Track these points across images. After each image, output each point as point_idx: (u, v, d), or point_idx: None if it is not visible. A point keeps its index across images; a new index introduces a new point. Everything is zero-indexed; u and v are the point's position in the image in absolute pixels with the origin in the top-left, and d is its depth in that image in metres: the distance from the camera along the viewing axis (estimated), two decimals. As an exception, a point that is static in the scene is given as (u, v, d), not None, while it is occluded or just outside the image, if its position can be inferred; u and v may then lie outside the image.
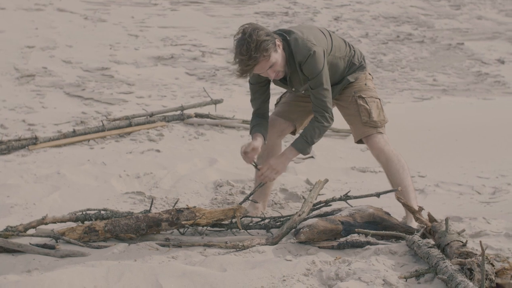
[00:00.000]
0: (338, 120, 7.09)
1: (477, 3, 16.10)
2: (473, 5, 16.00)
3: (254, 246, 4.50)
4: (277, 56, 4.83)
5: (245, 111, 8.76)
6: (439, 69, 11.73)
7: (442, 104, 9.73)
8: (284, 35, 4.92)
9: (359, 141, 5.22)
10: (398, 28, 14.26)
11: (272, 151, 5.31)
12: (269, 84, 5.16)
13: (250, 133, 5.17)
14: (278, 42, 4.84)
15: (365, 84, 5.21)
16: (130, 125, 7.76)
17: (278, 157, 5.03)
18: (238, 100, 9.57)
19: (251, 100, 5.23)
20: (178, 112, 8.19)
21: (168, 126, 7.93)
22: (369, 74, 5.32)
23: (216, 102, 8.48)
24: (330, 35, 5.12)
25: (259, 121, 5.17)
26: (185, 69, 11.11)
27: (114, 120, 7.94)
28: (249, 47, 4.70)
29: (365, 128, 5.10)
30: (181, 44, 12.49)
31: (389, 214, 4.74)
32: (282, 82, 5.13)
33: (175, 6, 15.09)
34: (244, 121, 8.10)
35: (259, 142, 5.05)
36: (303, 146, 5.02)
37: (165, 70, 10.98)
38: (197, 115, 8.19)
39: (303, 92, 5.16)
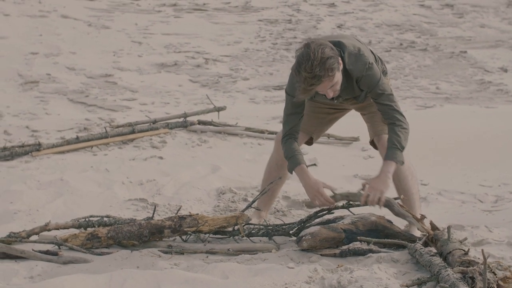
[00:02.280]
0: (341, 128, 7.12)
1: (480, 11, 16.11)
2: (476, 13, 16.02)
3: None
4: (339, 75, 4.68)
5: (248, 118, 8.77)
6: (442, 77, 11.73)
7: (445, 112, 9.74)
8: (338, 49, 4.74)
9: (372, 143, 5.18)
10: (401, 36, 14.28)
11: (284, 163, 5.16)
12: None
13: (288, 165, 4.97)
14: (340, 60, 4.69)
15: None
16: (133, 132, 7.77)
17: (377, 176, 4.80)
18: (241, 108, 9.59)
19: (288, 115, 4.98)
20: (181, 119, 8.20)
21: (171, 133, 7.95)
22: (389, 80, 5.29)
23: (219, 109, 8.49)
24: (363, 44, 5.05)
25: (295, 149, 4.97)
26: (189, 76, 11.13)
27: (117, 127, 7.95)
28: (313, 65, 4.52)
29: (384, 126, 5.02)
30: (185, 51, 12.51)
31: (391, 222, 4.75)
32: (330, 99, 4.97)
33: (179, 13, 15.12)
34: (247, 128, 8.11)
35: (312, 177, 4.91)
36: (397, 154, 4.79)
37: (169, 77, 11.00)
38: (200, 122, 8.20)
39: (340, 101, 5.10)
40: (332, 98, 4.94)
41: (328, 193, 4.86)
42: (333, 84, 4.64)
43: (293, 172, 4.95)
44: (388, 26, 14.91)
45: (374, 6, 16.21)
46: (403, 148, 4.81)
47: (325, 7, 16.04)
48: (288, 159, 4.97)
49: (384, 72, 5.18)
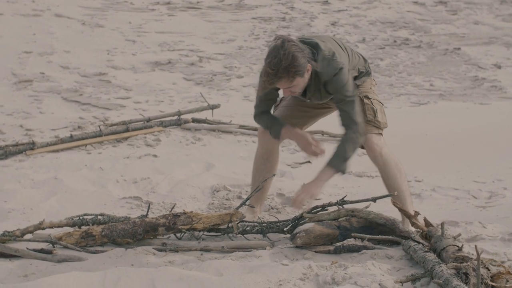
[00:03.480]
0: (335, 125, 7.12)
1: (474, 8, 16.13)
2: (469, 10, 16.03)
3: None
4: (301, 80, 4.78)
5: (242, 116, 8.77)
6: (436, 74, 11.75)
7: (439, 109, 9.75)
8: (313, 51, 4.84)
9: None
10: (395, 33, 14.29)
11: (270, 156, 5.30)
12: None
13: (272, 132, 5.12)
14: (309, 67, 4.78)
15: (371, 88, 5.23)
16: (127, 130, 7.77)
17: (313, 180, 4.88)
18: (235, 105, 9.59)
19: (261, 101, 5.15)
20: (175, 117, 8.20)
21: (165, 131, 7.94)
22: (374, 80, 5.33)
23: (213, 107, 8.49)
24: (345, 48, 5.09)
25: (269, 118, 5.13)
26: (183, 74, 11.12)
27: (112, 125, 7.95)
28: (279, 64, 4.64)
29: (368, 126, 5.08)
30: (179, 50, 12.50)
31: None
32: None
33: (173, 11, 15.11)
34: (241, 126, 8.12)
35: (298, 129, 5.05)
36: (338, 163, 4.89)
37: (163, 75, 11.00)
38: (194, 120, 8.20)
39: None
40: (307, 100, 5.05)
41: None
42: (291, 86, 4.76)
43: (281, 135, 5.09)
44: (382, 23, 14.92)
45: (368, 3, 16.22)
46: (346, 158, 4.89)
47: (319, 5, 16.04)
48: (270, 127, 5.12)
49: (368, 73, 5.23)
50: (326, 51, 4.85)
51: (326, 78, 4.86)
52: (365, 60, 5.30)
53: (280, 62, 4.62)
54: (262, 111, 5.17)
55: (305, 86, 4.87)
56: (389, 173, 5.07)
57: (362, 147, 5.18)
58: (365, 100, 5.14)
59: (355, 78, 5.16)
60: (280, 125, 5.11)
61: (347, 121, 4.91)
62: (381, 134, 5.14)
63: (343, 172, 4.94)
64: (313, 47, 4.85)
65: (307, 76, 4.80)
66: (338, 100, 4.90)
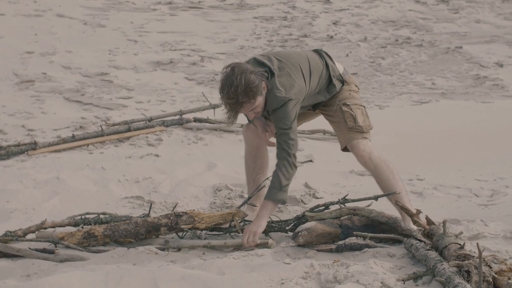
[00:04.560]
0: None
1: (476, 7, 16.12)
2: (471, 8, 16.02)
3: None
4: (261, 99, 4.84)
5: (244, 115, 8.77)
6: (438, 73, 11.74)
7: (440, 108, 9.75)
8: (267, 74, 4.89)
9: (345, 150, 5.22)
10: (396, 32, 14.28)
11: (258, 153, 5.33)
12: None
13: (249, 122, 5.26)
14: (264, 84, 4.83)
15: (349, 94, 5.22)
16: (129, 130, 7.78)
17: (254, 220, 4.85)
18: (237, 105, 9.57)
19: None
20: (177, 117, 8.20)
21: (167, 131, 7.95)
22: (355, 86, 5.31)
23: (215, 106, 8.49)
24: (310, 75, 5.04)
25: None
26: (184, 74, 11.12)
27: (113, 125, 7.95)
28: (236, 91, 4.69)
29: (351, 133, 5.09)
30: (180, 49, 12.51)
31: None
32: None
33: (174, 11, 15.11)
34: (243, 126, 8.11)
35: (263, 120, 5.13)
36: (275, 193, 4.86)
37: (164, 75, 11.00)
38: (196, 120, 8.21)
39: None
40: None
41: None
42: (254, 107, 4.82)
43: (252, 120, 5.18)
44: (383, 22, 14.92)
45: (369, 2, 16.22)
46: (282, 187, 4.87)
47: (321, 4, 16.04)
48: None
49: (342, 81, 5.18)
50: (276, 83, 4.87)
51: (269, 108, 4.91)
52: (344, 70, 5.27)
53: (236, 89, 4.68)
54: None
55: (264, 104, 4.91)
56: (382, 175, 5.07)
57: (349, 151, 5.18)
58: (344, 108, 5.14)
59: (331, 91, 5.17)
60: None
61: (280, 151, 4.91)
62: (367, 138, 5.13)
63: (283, 202, 4.93)
64: (268, 71, 4.89)
65: (264, 93, 4.84)
66: (276, 129, 4.93)
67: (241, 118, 5.32)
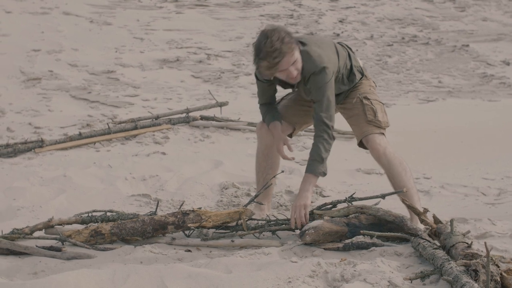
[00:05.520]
0: (343, 122, 7.11)
1: (482, 5, 16.09)
2: (478, 6, 16.00)
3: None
4: (299, 55, 4.82)
5: (251, 113, 8.78)
6: (444, 71, 11.73)
7: (447, 106, 9.74)
8: (299, 44, 4.90)
9: (360, 144, 5.21)
10: (403, 30, 14.26)
11: (270, 152, 5.32)
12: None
13: (264, 121, 5.23)
14: (295, 45, 4.82)
15: (370, 89, 5.23)
16: (136, 127, 7.78)
17: (298, 194, 4.87)
18: (243, 103, 9.59)
19: (259, 94, 5.25)
20: (184, 115, 8.20)
21: (173, 129, 7.95)
22: (373, 82, 5.34)
23: (221, 104, 8.49)
24: (338, 52, 5.08)
25: (269, 108, 5.21)
26: (191, 72, 11.13)
27: (120, 123, 7.96)
28: (273, 42, 4.68)
29: (369, 126, 5.09)
30: (187, 47, 12.51)
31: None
32: (287, 87, 5.13)
33: (180, 9, 15.12)
34: (249, 124, 8.12)
35: (280, 131, 5.12)
36: (315, 166, 4.88)
37: (171, 73, 11.01)
38: (203, 118, 8.21)
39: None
40: (294, 86, 5.07)
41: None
42: (295, 60, 4.77)
43: (269, 127, 5.18)
44: (390, 20, 14.90)
45: (376, 0, 16.20)
46: (322, 160, 4.88)
47: (327, 2, 16.03)
48: (264, 116, 5.22)
49: (363, 75, 5.21)
50: (313, 46, 4.90)
51: (306, 73, 4.88)
52: (362, 66, 5.32)
53: (274, 41, 4.68)
54: (262, 103, 5.29)
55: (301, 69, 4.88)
56: (394, 172, 5.06)
57: (365, 148, 5.17)
58: (365, 101, 5.14)
59: (351, 80, 5.18)
60: (272, 117, 5.18)
61: (318, 123, 4.90)
62: (383, 133, 5.13)
63: (323, 174, 4.94)
64: (300, 42, 4.91)
65: (299, 55, 4.83)
66: (316, 97, 4.90)
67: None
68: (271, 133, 5.20)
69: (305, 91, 5.05)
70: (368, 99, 5.16)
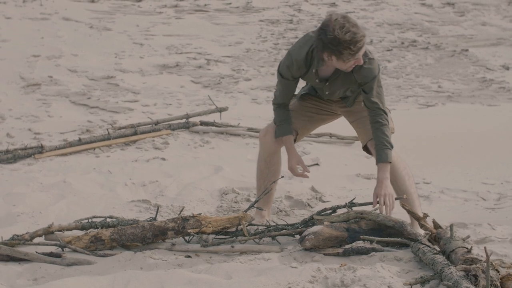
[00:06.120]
0: (343, 127, 7.12)
1: (482, 9, 16.11)
2: (477, 11, 16.01)
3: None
4: None
5: (250, 118, 8.78)
6: (444, 76, 11.73)
7: (447, 111, 9.74)
8: None
9: (365, 148, 5.21)
10: (402, 35, 14.27)
11: (272, 159, 5.30)
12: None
13: (277, 131, 5.16)
14: None
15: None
16: (135, 133, 7.79)
17: (379, 183, 4.90)
18: (243, 108, 9.59)
19: (280, 94, 5.14)
20: (183, 120, 8.21)
21: (173, 134, 7.95)
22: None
23: (221, 110, 8.50)
24: None
25: (285, 115, 5.15)
26: (190, 77, 11.13)
27: (120, 128, 7.96)
28: (353, 28, 4.62)
29: None
30: (186, 52, 12.52)
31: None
32: (321, 82, 5.07)
33: (180, 14, 15.13)
34: (249, 129, 8.12)
35: (295, 150, 5.13)
36: (388, 154, 4.91)
37: (170, 78, 11.01)
38: (202, 123, 8.21)
39: (332, 97, 5.17)
40: (326, 92, 5.06)
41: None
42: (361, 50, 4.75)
43: (282, 140, 5.15)
44: (389, 25, 14.91)
45: (375, 5, 16.22)
46: (392, 147, 4.92)
47: (326, 7, 16.05)
48: (278, 125, 5.14)
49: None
50: None
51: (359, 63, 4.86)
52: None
53: (353, 26, 4.61)
54: (280, 104, 5.18)
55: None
56: (398, 176, 5.08)
57: (369, 152, 5.17)
58: None
59: None
60: (286, 130, 5.15)
61: (378, 112, 4.95)
62: None
63: (391, 160, 4.97)
64: None
65: None
66: (369, 89, 4.92)
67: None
68: (287, 148, 5.17)
69: (342, 83, 5.02)
70: None
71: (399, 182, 5.08)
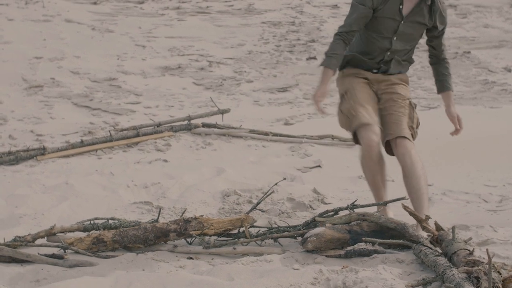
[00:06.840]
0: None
1: (484, 12, 16.10)
2: (479, 13, 16.01)
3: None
4: None
5: (252, 120, 8.79)
6: (446, 78, 11.72)
7: (449, 113, 9.72)
8: None
9: (387, 146, 5.21)
10: (404, 37, 14.27)
11: (381, 157, 5.21)
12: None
13: (325, 61, 5.15)
14: None
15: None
16: (137, 135, 7.79)
17: (451, 109, 5.49)
18: (245, 110, 9.59)
19: (352, 20, 5.14)
20: (186, 122, 8.21)
21: (175, 136, 7.96)
22: None
23: (223, 111, 8.50)
24: None
25: (340, 50, 5.16)
26: (192, 79, 11.14)
27: (122, 130, 7.97)
28: None
29: (407, 130, 5.14)
30: (188, 54, 12.52)
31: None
32: (400, 15, 5.18)
33: (182, 16, 15.14)
34: (251, 131, 8.12)
35: (328, 86, 5.15)
36: (451, 84, 5.51)
37: (173, 80, 11.01)
38: (204, 125, 8.21)
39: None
40: (392, 32, 5.21)
41: None
42: None
43: (327, 70, 5.16)
44: (391, 27, 14.90)
45: (377, 7, 16.22)
46: (451, 75, 5.50)
47: (328, 9, 16.05)
48: (328, 55, 5.16)
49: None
50: None
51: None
52: None
53: None
54: (348, 31, 5.16)
55: None
56: (415, 173, 5.04)
57: (388, 152, 5.18)
58: (414, 109, 5.38)
59: (410, 62, 5.56)
60: (332, 63, 5.14)
61: (444, 51, 5.41)
62: (413, 143, 5.20)
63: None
64: None
65: None
66: (441, 31, 5.30)
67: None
68: (323, 79, 5.16)
69: (416, 26, 5.22)
70: (413, 108, 5.36)
71: (415, 180, 5.05)
